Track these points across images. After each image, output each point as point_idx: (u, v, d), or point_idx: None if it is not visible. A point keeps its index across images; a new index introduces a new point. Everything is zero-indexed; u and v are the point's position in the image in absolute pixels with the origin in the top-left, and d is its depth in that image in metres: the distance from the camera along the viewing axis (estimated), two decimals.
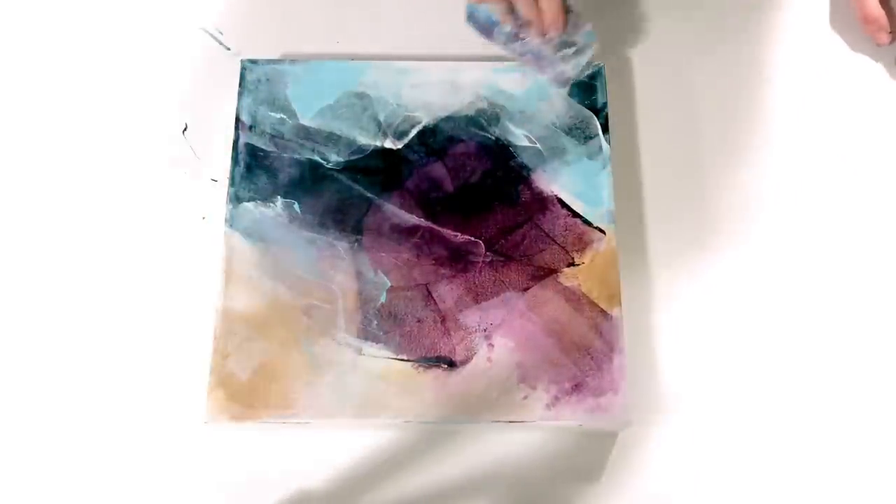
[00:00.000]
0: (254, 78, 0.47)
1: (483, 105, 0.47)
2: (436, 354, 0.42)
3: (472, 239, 0.44)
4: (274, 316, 0.42)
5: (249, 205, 0.44)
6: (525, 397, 0.41)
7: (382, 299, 0.43)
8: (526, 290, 0.43)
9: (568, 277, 0.43)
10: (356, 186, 0.45)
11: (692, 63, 0.51)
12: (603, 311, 0.42)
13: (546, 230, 0.44)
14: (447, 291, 0.43)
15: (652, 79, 0.51)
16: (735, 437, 0.43)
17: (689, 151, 0.49)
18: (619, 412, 0.40)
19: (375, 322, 0.42)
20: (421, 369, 0.41)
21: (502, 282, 0.43)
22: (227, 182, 0.45)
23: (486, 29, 0.45)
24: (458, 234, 0.44)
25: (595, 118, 0.47)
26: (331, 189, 0.45)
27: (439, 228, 0.44)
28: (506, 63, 0.48)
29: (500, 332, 0.42)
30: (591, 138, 0.46)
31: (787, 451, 0.43)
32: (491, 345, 0.42)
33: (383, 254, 0.44)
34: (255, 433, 0.42)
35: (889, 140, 0.49)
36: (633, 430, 0.43)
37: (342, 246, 0.44)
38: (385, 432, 0.43)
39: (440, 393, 0.41)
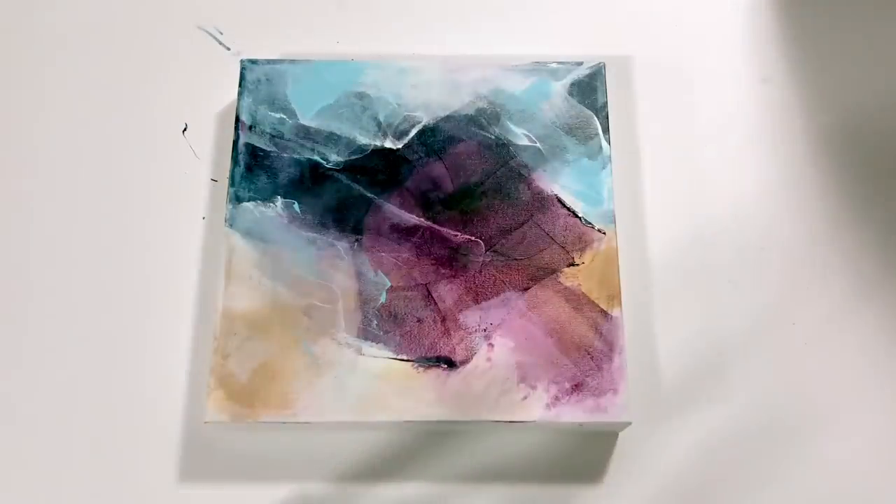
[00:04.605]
0: (254, 78, 0.47)
1: (483, 104, 0.47)
2: (436, 354, 0.42)
3: (472, 239, 0.44)
4: (274, 316, 0.42)
5: (249, 205, 0.44)
6: (525, 397, 0.41)
7: (382, 299, 0.43)
8: (526, 290, 0.43)
9: (568, 277, 0.43)
10: (356, 186, 0.45)
11: (692, 64, 0.51)
12: (603, 311, 0.42)
13: (546, 230, 0.44)
14: (447, 291, 0.43)
15: (652, 79, 0.51)
16: (735, 436, 0.43)
17: (689, 151, 0.49)
18: (619, 412, 0.40)
19: (375, 322, 0.42)
20: (421, 369, 0.41)
21: (502, 282, 0.43)
22: (227, 182, 0.45)
23: None
24: (458, 234, 0.44)
25: (595, 118, 0.46)
26: (331, 189, 0.45)
27: (439, 228, 0.44)
28: (506, 63, 0.48)
29: (499, 332, 0.42)
30: (591, 138, 0.46)
31: (786, 450, 0.43)
32: (491, 345, 0.42)
33: (383, 254, 0.44)
34: (255, 433, 0.42)
35: (890, 139, 0.49)
36: (633, 430, 0.43)
37: (342, 246, 0.44)
38: (385, 432, 0.43)
39: (440, 393, 0.41)
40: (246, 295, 0.42)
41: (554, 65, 0.48)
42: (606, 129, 0.46)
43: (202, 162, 0.48)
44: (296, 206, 0.44)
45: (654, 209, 0.47)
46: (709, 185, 0.48)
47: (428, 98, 0.47)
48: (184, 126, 0.49)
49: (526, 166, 0.46)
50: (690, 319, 0.45)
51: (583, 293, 0.43)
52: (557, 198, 0.45)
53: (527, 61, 0.48)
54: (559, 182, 0.45)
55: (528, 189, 0.45)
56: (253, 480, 0.42)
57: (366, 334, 0.42)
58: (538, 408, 0.41)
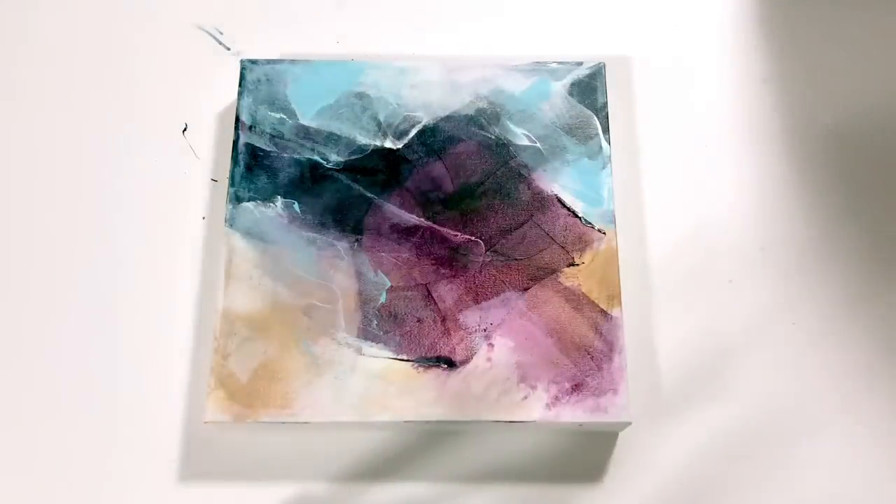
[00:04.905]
0: (254, 78, 0.47)
1: (483, 104, 0.47)
2: (436, 354, 0.42)
3: (472, 239, 0.44)
4: (274, 316, 0.42)
5: (249, 205, 0.44)
6: (525, 397, 0.41)
7: (382, 299, 0.43)
8: (526, 290, 0.43)
9: (568, 277, 0.43)
10: (356, 186, 0.45)
11: (692, 64, 0.51)
12: (603, 311, 0.42)
13: (546, 230, 0.44)
14: (447, 291, 0.43)
15: (651, 79, 0.51)
16: (735, 436, 0.43)
17: (688, 151, 0.49)
18: (619, 412, 0.40)
19: (375, 322, 0.42)
20: (421, 369, 0.41)
21: (502, 282, 0.43)
22: (227, 182, 0.45)
23: None
24: (458, 234, 0.44)
25: (595, 118, 0.47)
26: (331, 189, 0.45)
27: (439, 228, 0.44)
28: (506, 63, 0.48)
29: (500, 332, 0.42)
30: (591, 138, 0.46)
31: (786, 450, 0.43)
32: (491, 345, 0.42)
33: (383, 254, 0.44)
34: (255, 433, 0.42)
35: (889, 139, 0.49)
36: (633, 430, 0.43)
37: (342, 246, 0.44)
38: (385, 432, 0.43)
39: (440, 393, 0.41)
40: (246, 295, 0.42)
41: (554, 65, 0.48)
42: (606, 129, 0.46)
43: (202, 162, 0.48)
44: (296, 206, 0.44)
45: (654, 209, 0.47)
46: (708, 185, 0.48)
47: (428, 98, 0.47)
48: (184, 126, 0.49)
49: (526, 166, 0.46)
50: (690, 319, 0.45)
51: (583, 293, 0.43)
52: (557, 198, 0.45)
53: (527, 61, 0.48)
54: (559, 182, 0.45)
55: (528, 189, 0.45)
56: (253, 480, 0.42)
57: (366, 334, 0.42)
58: (538, 408, 0.40)
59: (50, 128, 0.49)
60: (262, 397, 0.40)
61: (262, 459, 0.42)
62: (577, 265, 0.43)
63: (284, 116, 0.46)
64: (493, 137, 0.46)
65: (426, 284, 0.43)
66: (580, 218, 0.44)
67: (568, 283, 0.43)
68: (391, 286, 0.43)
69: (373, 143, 0.46)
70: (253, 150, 0.45)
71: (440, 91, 0.47)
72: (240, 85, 0.47)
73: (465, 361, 0.41)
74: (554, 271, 0.43)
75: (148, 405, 0.43)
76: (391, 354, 0.42)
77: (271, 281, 0.43)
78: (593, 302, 0.43)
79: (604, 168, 0.45)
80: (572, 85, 0.47)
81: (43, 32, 0.52)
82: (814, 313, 0.45)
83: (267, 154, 0.45)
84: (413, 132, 0.46)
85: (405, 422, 0.40)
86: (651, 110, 0.50)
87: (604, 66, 0.48)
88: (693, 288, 0.46)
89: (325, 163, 0.45)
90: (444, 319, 0.42)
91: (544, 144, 0.46)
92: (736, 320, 0.45)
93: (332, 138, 0.46)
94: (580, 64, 0.48)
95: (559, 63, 0.48)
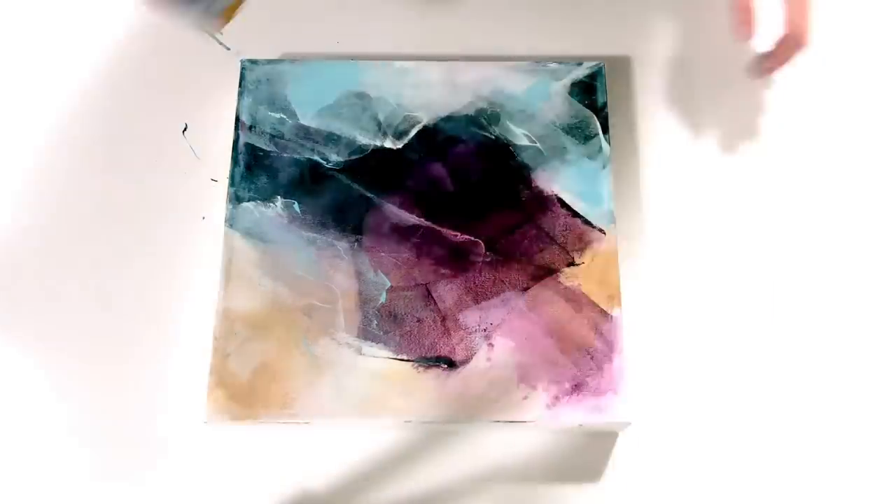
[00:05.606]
0: (254, 78, 0.47)
1: (483, 105, 0.47)
2: (436, 354, 0.42)
3: (472, 239, 0.44)
4: (274, 316, 0.42)
5: (249, 205, 0.44)
6: (525, 397, 0.41)
7: (382, 299, 0.43)
8: (526, 290, 0.43)
9: (568, 277, 0.43)
10: (356, 186, 0.45)
11: (692, 64, 0.51)
12: (603, 311, 0.42)
13: (546, 230, 0.44)
14: (447, 291, 0.43)
15: (651, 79, 0.51)
16: (735, 436, 0.43)
17: (688, 151, 0.49)
18: (619, 412, 0.40)
19: (375, 322, 0.42)
20: (421, 369, 0.41)
21: (502, 282, 0.43)
22: (227, 182, 0.45)
23: None
24: (458, 234, 0.44)
25: (595, 118, 0.46)
26: (331, 189, 0.45)
27: (439, 228, 0.44)
28: (506, 63, 0.48)
29: (499, 332, 0.42)
30: (591, 138, 0.46)
31: (787, 450, 0.43)
32: (491, 345, 0.42)
33: (383, 254, 0.44)
34: (255, 433, 0.42)
35: (890, 140, 0.49)
36: (633, 430, 0.43)
37: (342, 246, 0.44)
38: (385, 432, 0.43)
39: (440, 393, 0.41)
40: (246, 295, 0.42)
41: (554, 65, 0.48)
42: (606, 129, 0.46)
43: (202, 162, 0.48)
44: (296, 206, 0.44)
45: (654, 209, 0.47)
46: (708, 185, 0.48)
47: (428, 98, 0.47)
48: (184, 126, 0.49)
49: (526, 166, 0.46)
50: (690, 319, 0.45)
51: (583, 293, 0.43)
52: (557, 198, 0.45)
53: (527, 61, 0.48)
54: (559, 182, 0.45)
55: (528, 189, 0.45)
56: (253, 480, 0.42)
57: (366, 334, 0.42)
58: (538, 408, 0.40)
59: (50, 128, 0.49)
60: (262, 397, 0.40)
61: (262, 459, 0.42)
62: (577, 265, 0.43)
63: (284, 116, 0.46)
64: (493, 137, 0.46)
65: (426, 284, 0.43)
66: (580, 218, 0.44)
67: (568, 283, 0.43)
68: (391, 286, 0.43)
69: (373, 143, 0.46)
70: (253, 150, 0.45)
71: (440, 91, 0.47)
72: (240, 85, 0.47)
73: (465, 361, 0.41)
74: (554, 271, 0.43)
75: (148, 405, 0.43)
76: (391, 354, 0.42)
77: (271, 281, 0.43)
78: (593, 302, 0.43)
79: (604, 168, 0.45)
80: (572, 85, 0.47)
81: (43, 32, 0.52)
82: (813, 313, 0.45)
83: (267, 154, 0.45)
84: (413, 132, 0.46)
85: (405, 422, 0.40)
86: (651, 110, 0.50)
87: (604, 66, 0.48)
88: (692, 288, 0.46)
89: (325, 163, 0.45)
90: (444, 319, 0.42)
91: (544, 144, 0.46)
92: (736, 320, 0.45)
93: (332, 138, 0.46)
94: (580, 64, 0.48)
95: (559, 63, 0.48)
